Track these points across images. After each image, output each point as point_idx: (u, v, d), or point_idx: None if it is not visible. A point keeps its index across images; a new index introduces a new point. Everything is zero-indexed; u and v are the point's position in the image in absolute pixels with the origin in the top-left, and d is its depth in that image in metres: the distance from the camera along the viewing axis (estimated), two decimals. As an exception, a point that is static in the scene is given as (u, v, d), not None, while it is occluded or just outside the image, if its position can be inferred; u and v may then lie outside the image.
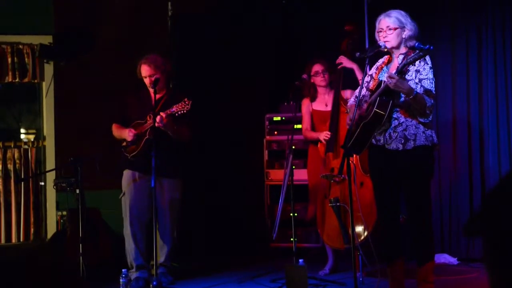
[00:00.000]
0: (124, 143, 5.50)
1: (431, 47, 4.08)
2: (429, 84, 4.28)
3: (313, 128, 5.78)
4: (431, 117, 4.36)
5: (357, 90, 4.64)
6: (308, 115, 5.79)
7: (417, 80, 4.28)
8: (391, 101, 4.26)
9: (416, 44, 4.20)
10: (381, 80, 4.37)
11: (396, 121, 4.35)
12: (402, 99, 4.28)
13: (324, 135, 5.52)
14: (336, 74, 5.57)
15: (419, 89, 4.25)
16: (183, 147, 5.56)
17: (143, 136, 5.34)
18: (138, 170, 5.45)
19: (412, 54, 4.10)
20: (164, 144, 5.30)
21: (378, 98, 4.25)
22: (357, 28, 5.50)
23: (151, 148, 5.15)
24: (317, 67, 5.68)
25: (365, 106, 4.42)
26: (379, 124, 4.33)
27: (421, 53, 4.01)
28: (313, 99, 5.77)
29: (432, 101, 4.27)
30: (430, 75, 4.28)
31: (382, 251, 4.71)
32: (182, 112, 5.17)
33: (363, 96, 4.49)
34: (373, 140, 4.43)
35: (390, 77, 4.11)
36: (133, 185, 5.47)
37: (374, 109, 4.24)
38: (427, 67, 4.29)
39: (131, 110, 5.56)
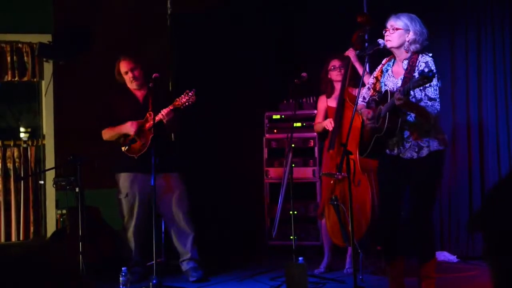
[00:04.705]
0: (125, 148, 5.46)
1: (435, 73, 4.06)
2: (432, 92, 4.29)
3: None
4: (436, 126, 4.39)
5: (364, 91, 4.66)
6: (323, 111, 5.76)
7: (421, 87, 4.29)
8: (400, 116, 4.30)
9: (419, 71, 4.20)
10: (387, 90, 4.38)
11: (407, 131, 4.38)
12: (411, 117, 4.33)
13: (327, 123, 5.52)
14: (344, 68, 5.54)
15: (423, 97, 4.28)
16: (182, 141, 5.57)
17: (149, 134, 5.32)
18: (140, 171, 5.41)
19: (416, 79, 4.09)
20: (165, 140, 5.33)
21: (388, 113, 4.27)
22: (369, 19, 5.39)
23: (156, 145, 5.16)
24: (335, 62, 5.64)
25: (373, 105, 4.46)
26: (392, 136, 4.38)
27: (425, 80, 4.02)
28: (329, 95, 5.74)
29: (432, 114, 4.29)
30: (434, 82, 4.29)
31: (383, 250, 4.72)
32: (188, 104, 5.17)
33: (370, 96, 4.56)
34: (387, 150, 4.45)
35: (398, 99, 4.13)
36: (137, 186, 5.47)
37: (386, 125, 4.28)
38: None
39: (119, 112, 5.50)
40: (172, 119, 5.23)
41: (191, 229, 5.51)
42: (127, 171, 5.50)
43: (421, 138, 4.35)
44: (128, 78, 5.43)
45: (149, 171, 5.07)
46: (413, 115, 4.33)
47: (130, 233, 5.54)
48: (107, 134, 5.56)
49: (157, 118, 5.20)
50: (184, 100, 5.14)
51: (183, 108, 5.18)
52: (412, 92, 4.27)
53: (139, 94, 5.47)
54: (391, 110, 4.25)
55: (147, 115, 5.34)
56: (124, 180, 5.53)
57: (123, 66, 5.44)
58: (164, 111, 5.19)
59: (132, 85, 5.45)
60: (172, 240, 5.59)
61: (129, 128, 5.40)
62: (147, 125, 5.32)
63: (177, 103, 5.16)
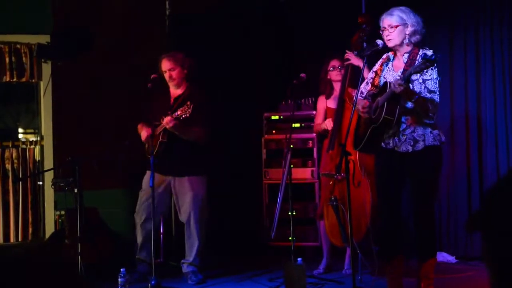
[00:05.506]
0: (146, 146, 5.56)
1: (439, 56, 4.06)
2: (432, 85, 4.30)
3: None
4: (434, 119, 4.40)
5: (362, 86, 4.66)
6: (322, 112, 5.76)
7: (421, 80, 4.29)
8: (398, 107, 4.28)
9: (422, 54, 4.20)
10: (386, 81, 4.38)
11: (404, 124, 4.37)
12: (409, 105, 4.31)
13: (326, 123, 5.53)
14: (343, 69, 5.54)
15: (423, 90, 4.28)
16: (203, 144, 5.57)
17: (158, 139, 5.37)
18: (157, 171, 5.42)
19: (418, 63, 4.09)
20: (182, 143, 5.37)
21: (386, 103, 4.26)
22: (370, 20, 5.34)
23: (167, 149, 5.30)
24: (335, 62, 5.64)
25: (370, 100, 4.46)
26: (389, 129, 4.37)
27: (427, 63, 4.01)
28: (328, 96, 5.74)
29: (432, 106, 4.30)
30: (434, 75, 4.29)
31: (382, 249, 4.72)
32: (185, 115, 5.21)
33: (368, 91, 4.56)
34: (382, 143, 4.45)
35: (399, 85, 4.13)
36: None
37: (383, 115, 4.26)
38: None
39: (156, 111, 5.56)
40: (174, 127, 5.27)
41: (197, 237, 5.51)
42: (149, 169, 5.54)
43: (417, 125, 4.34)
44: (166, 77, 5.51)
45: (164, 172, 5.36)
46: (411, 105, 4.32)
47: (138, 227, 5.60)
48: (139, 129, 5.69)
49: (162, 126, 5.31)
50: (183, 111, 5.19)
51: (182, 119, 5.22)
52: (411, 85, 4.26)
53: (174, 93, 5.51)
54: (390, 99, 4.24)
55: (161, 119, 5.37)
56: (145, 177, 5.62)
57: (163, 66, 5.50)
58: (166, 119, 5.24)
59: (170, 84, 5.51)
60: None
61: (143, 135, 5.53)
62: (158, 129, 5.37)
63: (176, 113, 5.21)
